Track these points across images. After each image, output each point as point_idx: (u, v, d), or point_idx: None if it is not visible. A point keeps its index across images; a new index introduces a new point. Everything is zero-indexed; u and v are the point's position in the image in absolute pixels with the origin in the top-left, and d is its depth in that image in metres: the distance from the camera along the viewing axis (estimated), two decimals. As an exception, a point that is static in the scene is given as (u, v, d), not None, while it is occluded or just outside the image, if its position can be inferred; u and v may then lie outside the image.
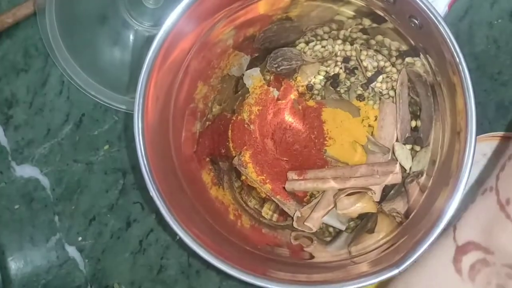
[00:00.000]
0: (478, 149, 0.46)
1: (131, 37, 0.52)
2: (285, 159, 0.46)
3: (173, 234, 0.43)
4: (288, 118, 0.45)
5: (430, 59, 0.37)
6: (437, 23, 0.30)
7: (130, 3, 0.52)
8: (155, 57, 0.33)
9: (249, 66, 0.47)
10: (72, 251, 0.53)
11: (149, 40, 0.51)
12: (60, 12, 0.50)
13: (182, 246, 0.52)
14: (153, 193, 0.33)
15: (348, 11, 0.40)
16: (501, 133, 0.46)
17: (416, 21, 0.32)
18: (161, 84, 0.35)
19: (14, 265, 0.53)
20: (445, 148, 0.37)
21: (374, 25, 0.41)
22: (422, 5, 0.30)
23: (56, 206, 0.53)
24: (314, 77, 0.46)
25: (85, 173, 0.53)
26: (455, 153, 0.34)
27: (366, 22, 0.40)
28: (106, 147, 0.53)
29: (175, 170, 0.38)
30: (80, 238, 0.53)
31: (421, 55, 0.38)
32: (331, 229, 0.45)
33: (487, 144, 0.46)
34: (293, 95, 0.46)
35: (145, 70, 0.33)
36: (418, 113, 0.42)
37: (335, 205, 0.42)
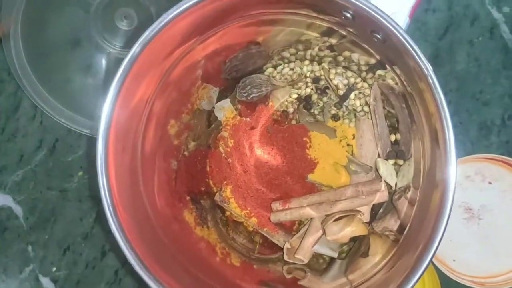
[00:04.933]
0: (460, 171, 0.46)
1: (104, 60, 0.51)
2: (268, 189, 0.44)
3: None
4: (266, 147, 0.44)
5: (397, 70, 0.36)
6: (399, 35, 0.29)
7: (103, 25, 0.51)
8: (112, 109, 0.31)
9: (219, 98, 0.46)
10: (46, 282, 0.51)
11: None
12: (28, 37, 0.49)
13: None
14: (127, 254, 0.31)
15: (312, 33, 0.38)
16: (483, 155, 0.46)
17: (378, 36, 0.31)
18: (123, 134, 0.33)
19: (-13, 297, 0.51)
20: (427, 157, 0.36)
21: (342, 41, 0.39)
22: (382, 19, 0.29)
23: (29, 235, 0.52)
24: (286, 100, 0.45)
25: (59, 201, 0.52)
26: (437, 160, 0.33)
27: (333, 40, 0.39)
28: (80, 173, 0.52)
29: (150, 220, 0.36)
30: (54, 269, 0.51)
31: (388, 67, 0.37)
32: (325, 257, 0.43)
33: (470, 166, 0.46)
34: (267, 123, 0.45)
35: (104, 123, 0.31)
36: (396, 125, 0.41)
37: (324, 232, 0.40)
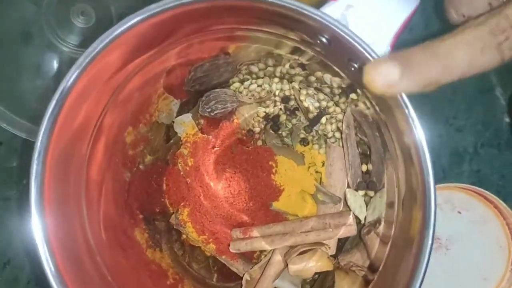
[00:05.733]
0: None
1: (56, 60, 0.47)
2: (228, 215, 0.41)
3: None
4: (228, 169, 0.40)
5: (369, 94, 0.33)
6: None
7: (57, 20, 0.46)
8: (50, 129, 0.27)
9: (180, 112, 0.42)
10: None
11: None
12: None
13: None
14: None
15: (283, 52, 0.35)
16: (454, 184, 0.44)
17: (355, 65, 0.28)
18: (64, 159, 0.29)
19: None
20: (402, 186, 0.33)
21: (312, 61, 0.36)
22: (360, 48, 0.26)
23: None
24: (253, 119, 0.41)
25: (1, 211, 0.47)
26: (413, 191, 0.30)
27: (303, 58, 0.36)
28: (26, 181, 0.47)
29: (91, 252, 0.32)
30: None
31: (360, 91, 0.34)
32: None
33: (440, 194, 0.44)
34: (231, 142, 0.41)
35: (39, 149, 0.27)
36: (368, 153, 0.38)
37: (287, 265, 0.37)
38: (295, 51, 0.35)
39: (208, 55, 0.36)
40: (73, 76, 0.26)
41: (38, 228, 0.27)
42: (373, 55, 0.26)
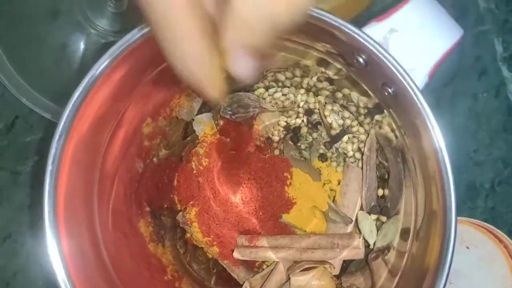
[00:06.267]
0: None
1: (83, 41, 0.46)
2: (236, 221, 0.40)
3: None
4: (243, 175, 0.40)
5: (394, 114, 0.32)
6: (415, 99, 0.25)
7: (88, 1, 0.45)
8: (73, 114, 0.27)
9: (200, 110, 0.42)
10: None
11: (105, 47, 0.46)
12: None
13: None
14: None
15: (310, 63, 0.34)
16: (466, 219, 0.43)
17: (389, 90, 0.27)
18: (84, 146, 0.28)
19: None
20: (420, 215, 0.33)
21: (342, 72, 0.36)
22: (398, 75, 0.25)
23: None
24: (273, 127, 0.41)
25: (8, 183, 0.47)
26: (431, 218, 0.29)
27: (331, 72, 0.35)
28: (37, 158, 0.47)
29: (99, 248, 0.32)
30: None
31: (386, 112, 0.33)
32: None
33: None
34: (248, 147, 0.41)
35: (62, 129, 0.26)
36: (386, 177, 0.38)
37: (289, 279, 0.37)
38: (321, 62, 0.35)
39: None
40: (105, 64, 0.26)
41: (49, 203, 0.27)
42: (411, 83, 0.25)
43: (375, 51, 0.26)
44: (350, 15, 0.37)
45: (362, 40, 0.25)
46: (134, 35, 0.26)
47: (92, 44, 0.47)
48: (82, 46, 0.47)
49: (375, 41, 0.26)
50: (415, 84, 0.25)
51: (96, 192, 0.32)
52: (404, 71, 0.25)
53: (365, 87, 0.33)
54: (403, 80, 0.25)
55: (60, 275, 0.27)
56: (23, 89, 0.45)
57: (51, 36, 0.47)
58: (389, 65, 0.26)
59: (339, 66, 0.32)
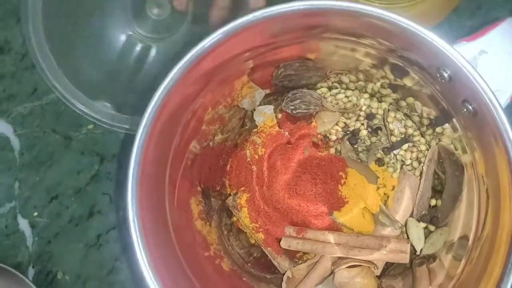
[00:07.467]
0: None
1: (122, 42, 0.48)
2: (285, 212, 0.41)
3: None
4: (298, 168, 0.41)
5: (468, 136, 0.33)
6: (497, 117, 0.26)
7: (132, 5, 0.47)
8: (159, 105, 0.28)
9: (262, 102, 0.43)
10: (23, 224, 0.48)
11: (144, 49, 0.46)
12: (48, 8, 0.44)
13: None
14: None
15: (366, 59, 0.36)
16: None
17: (469, 107, 0.28)
18: (165, 131, 0.30)
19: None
20: (481, 235, 0.32)
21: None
22: (483, 93, 0.26)
23: (20, 172, 0.49)
24: (332, 127, 0.42)
25: (60, 147, 0.49)
26: (495, 240, 0.29)
27: (408, 82, 0.36)
28: (91, 126, 0.49)
29: (165, 216, 0.34)
30: (36, 213, 0.49)
31: (459, 127, 0.34)
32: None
33: None
34: (305, 143, 0.42)
35: (148, 118, 0.28)
36: (439, 188, 0.39)
37: (333, 275, 0.38)
38: (395, 71, 0.36)
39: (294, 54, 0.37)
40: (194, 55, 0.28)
41: (133, 172, 0.28)
42: (494, 101, 0.26)
43: (463, 68, 0.27)
44: (430, 23, 0.38)
45: (454, 58, 0.26)
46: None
47: (129, 45, 0.48)
48: (120, 46, 0.48)
49: (464, 58, 0.27)
50: (499, 102, 0.26)
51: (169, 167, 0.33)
52: (490, 90, 0.26)
53: (443, 104, 0.33)
54: (486, 98, 0.26)
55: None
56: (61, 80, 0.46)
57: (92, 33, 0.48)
58: (475, 82, 0.27)
59: (416, 77, 0.33)
